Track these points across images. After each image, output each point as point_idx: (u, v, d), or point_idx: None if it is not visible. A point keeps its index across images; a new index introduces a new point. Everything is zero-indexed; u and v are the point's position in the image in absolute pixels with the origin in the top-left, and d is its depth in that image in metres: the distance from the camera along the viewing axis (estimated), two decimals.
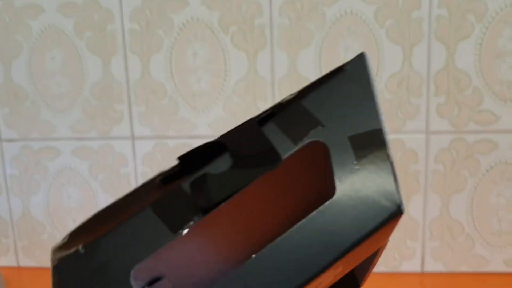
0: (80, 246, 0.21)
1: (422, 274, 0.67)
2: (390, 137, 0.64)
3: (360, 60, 0.28)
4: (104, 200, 0.71)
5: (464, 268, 0.67)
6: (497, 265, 0.66)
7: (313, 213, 0.25)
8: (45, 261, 0.74)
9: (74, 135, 0.69)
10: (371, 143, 0.27)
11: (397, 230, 0.67)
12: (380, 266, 0.68)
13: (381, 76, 0.63)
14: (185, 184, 0.23)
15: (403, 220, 0.66)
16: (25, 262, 0.74)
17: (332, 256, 0.24)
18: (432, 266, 0.67)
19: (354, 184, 0.26)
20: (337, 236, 0.25)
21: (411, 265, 0.67)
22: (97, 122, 0.68)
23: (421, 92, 0.63)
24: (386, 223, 0.27)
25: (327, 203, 0.25)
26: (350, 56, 0.63)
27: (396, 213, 0.27)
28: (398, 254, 0.67)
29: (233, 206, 0.33)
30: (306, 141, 0.25)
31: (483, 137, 0.63)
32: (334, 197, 0.25)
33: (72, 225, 0.72)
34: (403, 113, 0.63)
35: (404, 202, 0.66)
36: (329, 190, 0.35)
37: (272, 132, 0.25)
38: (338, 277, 0.29)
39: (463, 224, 0.66)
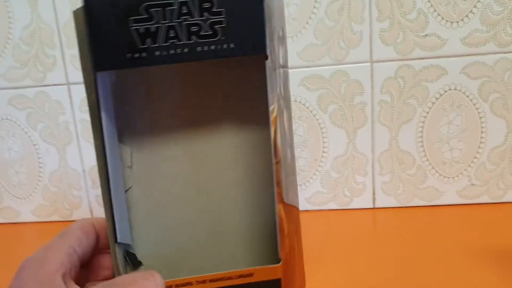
0: None
1: (374, 210, 0.65)
2: (334, 68, 0.61)
3: None
4: (45, 150, 0.68)
5: (416, 202, 0.65)
6: (450, 197, 0.64)
7: None
8: None
9: (8, 85, 0.66)
10: None
11: (346, 166, 0.64)
12: (331, 203, 0.66)
13: (320, 2, 0.59)
14: None
15: (351, 155, 0.64)
16: None
17: None
18: (384, 201, 0.65)
19: None
20: None
21: (363, 201, 0.65)
22: (31, 69, 0.65)
23: (363, 18, 0.59)
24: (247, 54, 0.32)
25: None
26: None
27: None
28: (348, 191, 0.65)
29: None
30: None
31: (431, 63, 0.60)
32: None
33: (15, 178, 0.70)
34: (346, 42, 0.60)
35: (351, 136, 0.63)
36: None
37: None
38: None
39: (414, 156, 0.63)
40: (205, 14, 0.31)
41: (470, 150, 0.62)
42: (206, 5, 0.31)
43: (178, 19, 0.32)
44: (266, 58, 0.32)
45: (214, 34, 0.32)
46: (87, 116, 0.66)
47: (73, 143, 0.67)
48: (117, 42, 0.33)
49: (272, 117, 0.34)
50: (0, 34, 0.65)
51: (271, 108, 0.34)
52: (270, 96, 0.33)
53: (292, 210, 0.39)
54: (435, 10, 0.58)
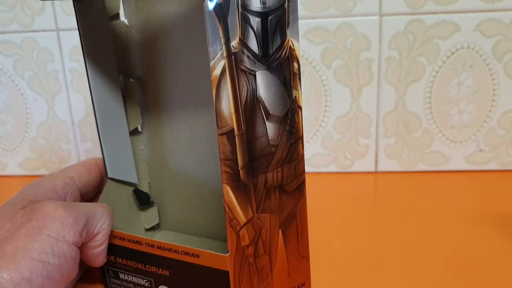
0: None
1: (376, 174, 0.62)
2: (339, 20, 0.57)
3: None
4: (33, 100, 0.65)
5: (421, 167, 0.61)
6: (457, 163, 0.61)
7: None
8: None
9: None
10: None
11: (348, 127, 0.61)
12: (331, 166, 0.63)
13: None
14: None
15: (354, 115, 0.60)
16: None
17: None
18: (387, 165, 0.62)
19: None
20: None
21: (364, 165, 0.62)
22: (18, 13, 0.62)
23: None
24: None
25: None
26: None
27: None
28: (349, 153, 0.62)
29: None
30: None
31: (443, 18, 0.56)
32: None
33: (2, 129, 0.67)
34: None
35: (356, 95, 0.59)
36: None
37: None
38: None
39: (421, 118, 0.60)
40: None
41: (480, 114, 0.59)
42: None
43: None
44: None
45: None
46: (77, 65, 0.63)
47: (62, 93, 0.64)
48: None
49: (212, 75, 0.29)
50: None
51: (211, 63, 0.28)
52: (211, 48, 0.28)
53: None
54: None
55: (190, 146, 0.39)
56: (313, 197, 0.57)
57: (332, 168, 0.63)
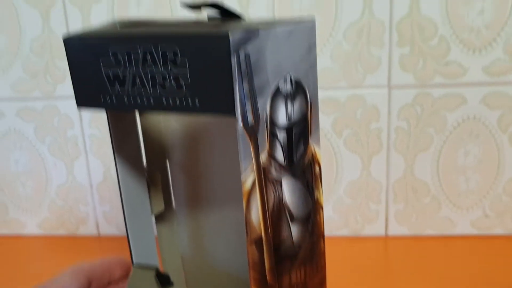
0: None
1: (386, 238, 0.64)
2: (350, 92, 0.60)
3: None
4: (53, 164, 0.67)
5: (429, 232, 0.63)
6: (464, 228, 0.63)
7: None
8: None
9: (16, 95, 0.65)
10: None
11: (359, 192, 0.63)
12: (342, 229, 0.64)
13: (339, 26, 0.58)
14: None
15: (365, 182, 0.62)
16: None
17: None
18: (396, 229, 0.64)
19: None
20: None
21: (375, 229, 0.64)
22: (40, 81, 0.64)
23: (382, 42, 0.58)
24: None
25: None
26: None
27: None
28: (360, 217, 0.64)
29: None
30: None
31: (450, 91, 0.58)
32: None
33: (21, 191, 0.69)
34: (363, 66, 0.59)
35: (366, 162, 0.62)
36: None
37: None
38: None
39: (429, 185, 0.62)
40: (169, 65, 0.29)
41: (486, 181, 0.61)
42: (170, 56, 0.28)
43: (143, 67, 0.29)
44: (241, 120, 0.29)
45: (179, 87, 0.29)
46: (96, 132, 0.65)
47: (81, 157, 0.66)
48: (92, 82, 0.32)
49: (243, 189, 0.31)
50: (10, 45, 0.63)
51: (243, 178, 0.30)
52: (242, 164, 0.30)
53: None
54: (457, 37, 0.57)
55: (222, 233, 0.41)
56: (326, 263, 0.58)
57: (344, 232, 0.64)
